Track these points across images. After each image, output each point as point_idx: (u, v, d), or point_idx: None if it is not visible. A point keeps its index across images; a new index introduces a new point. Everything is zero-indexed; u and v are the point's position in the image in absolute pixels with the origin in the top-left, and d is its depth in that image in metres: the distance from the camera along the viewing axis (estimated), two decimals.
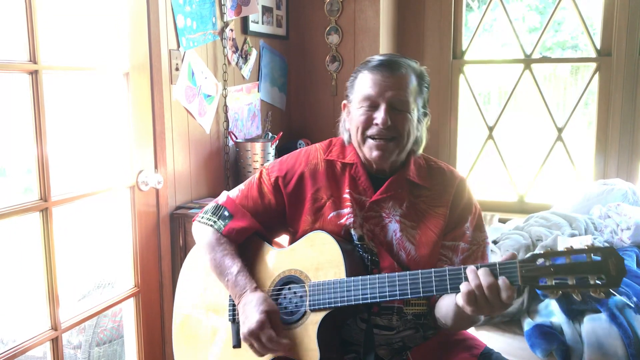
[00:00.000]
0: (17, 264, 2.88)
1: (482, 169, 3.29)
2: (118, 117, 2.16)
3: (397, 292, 1.29)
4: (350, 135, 1.52)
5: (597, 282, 1.12)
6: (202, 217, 1.60)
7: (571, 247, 1.14)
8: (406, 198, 1.48)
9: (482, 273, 1.16)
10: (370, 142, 1.43)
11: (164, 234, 2.29)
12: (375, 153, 1.43)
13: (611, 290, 2.03)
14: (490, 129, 3.18)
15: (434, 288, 1.25)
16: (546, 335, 1.93)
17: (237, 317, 1.48)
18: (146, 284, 2.25)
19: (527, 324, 2.04)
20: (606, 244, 2.31)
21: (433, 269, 1.26)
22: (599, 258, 1.12)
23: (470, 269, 1.19)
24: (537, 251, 2.11)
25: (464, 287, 1.18)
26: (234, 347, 1.47)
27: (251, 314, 1.36)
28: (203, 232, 1.58)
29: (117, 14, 2.09)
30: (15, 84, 1.84)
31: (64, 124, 2.42)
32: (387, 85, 1.41)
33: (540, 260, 1.15)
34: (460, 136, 3.24)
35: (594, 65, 2.96)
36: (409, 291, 1.28)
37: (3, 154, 2.91)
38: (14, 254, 2.88)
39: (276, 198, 1.56)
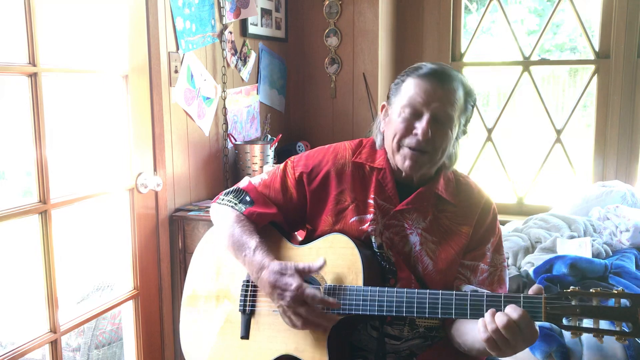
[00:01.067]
0: (16, 266, 2.87)
1: (481, 170, 3.29)
2: (117, 120, 2.16)
3: (415, 310, 1.26)
4: (383, 139, 1.47)
5: (624, 329, 1.09)
6: (223, 199, 1.56)
7: (600, 289, 1.11)
8: (431, 212, 1.45)
9: (499, 317, 1.13)
10: (405, 150, 1.38)
11: (163, 237, 2.29)
12: (407, 163, 1.38)
13: (602, 283, 2.04)
14: (489, 130, 3.19)
15: (454, 312, 1.23)
16: (545, 337, 1.93)
17: (247, 308, 1.46)
18: (145, 287, 2.25)
19: None
20: (606, 246, 2.31)
21: (455, 292, 1.24)
22: (627, 304, 1.09)
23: (489, 313, 1.15)
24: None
25: (482, 330, 1.15)
26: (242, 338, 1.45)
27: (283, 280, 1.32)
28: (221, 211, 1.53)
29: (116, 17, 2.10)
30: (15, 86, 1.85)
31: (63, 126, 2.42)
32: (435, 96, 1.35)
33: (566, 299, 1.13)
34: (461, 144, 3.24)
35: (592, 67, 2.97)
36: (426, 311, 1.25)
37: (2, 157, 2.91)
38: (13, 256, 2.88)
39: (298, 193, 1.52)
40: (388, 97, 1.47)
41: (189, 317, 1.56)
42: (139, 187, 2.18)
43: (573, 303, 1.12)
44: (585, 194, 2.70)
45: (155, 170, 2.25)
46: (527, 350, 1.96)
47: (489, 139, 3.19)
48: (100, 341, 2.71)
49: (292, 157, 1.58)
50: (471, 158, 3.26)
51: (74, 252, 2.90)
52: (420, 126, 1.35)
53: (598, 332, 1.10)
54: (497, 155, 3.19)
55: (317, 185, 1.50)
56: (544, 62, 3.13)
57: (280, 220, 1.54)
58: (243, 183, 1.58)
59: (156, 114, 2.22)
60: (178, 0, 2.24)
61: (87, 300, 2.74)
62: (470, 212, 1.46)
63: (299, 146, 2.94)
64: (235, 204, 1.52)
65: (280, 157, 2.82)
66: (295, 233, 1.64)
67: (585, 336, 1.91)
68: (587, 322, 1.14)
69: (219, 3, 2.49)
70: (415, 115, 1.36)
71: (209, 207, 1.66)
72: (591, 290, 1.11)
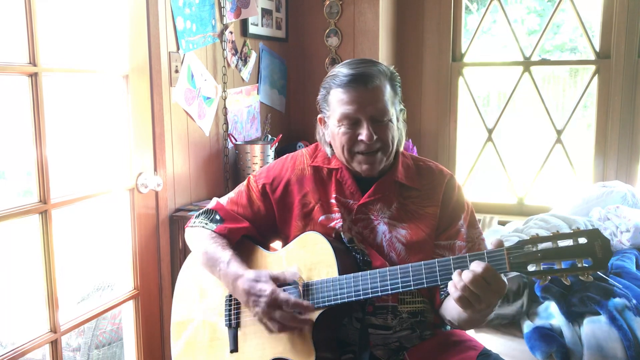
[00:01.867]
0: (17, 266, 2.87)
1: (482, 171, 3.29)
2: (117, 120, 2.16)
3: (389, 287, 1.30)
4: (332, 149, 1.52)
5: (585, 264, 1.14)
6: (194, 222, 1.62)
7: (557, 231, 1.17)
8: (395, 200, 1.49)
9: (465, 274, 1.18)
10: (359, 157, 1.44)
11: (163, 237, 2.29)
12: (364, 167, 1.44)
13: (599, 273, 2.04)
14: (490, 131, 3.18)
15: (425, 280, 1.26)
16: (546, 337, 1.93)
17: (232, 321, 1.49)
18: (145, 287, 2.25)
19: (527, 326, 2.04)
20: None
21: (423, 262, 1.27)
22: (585, 241, 1.14)
23: (456, 273, 1.20)
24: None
25: (452, 291, 1.19)
26: (231, 351, 1.47)
27: (257, 287, 1.36)
28: (195, 234, 1.58)
29: (116, 17, 2.10)
30: (15, 86, 1.84)
31: (63, 126, 2.42)
32: (365, 101, 1.39)
33: (527, 247, 1.17)
34: (459, 138, 3.25)
35: (593, 67, 2.96)
36: (399, 284, 1.29)
37: (3, 157, 2.91)
38: (13, 256, 2.88)
39: (265, 205, 1.57)
40: (321, 110, 1.52)
41: (179, 340, 1.59)
42: (139, 187, 2.18)
43: (534, 249, 1.17)
44: (585, 195, 2.70)
45: (155, 170, 2.25)
46: (527, 350, 1.96)
47: (489, 139, 3.19)
48: (100, 341, 2.72)
49: (254, 172, 1.66)
50: (471, 158, 3.26)
51: (74, 252, 2.90)
52: (363, 132, 1.40)
53: (562, 272, 1.15)
54: (498, 155, 3.19)
55: (281, 194, 1.56)
56: (544, 62, 3.13)
57: (253, 233, 1.58)
58: (212, 204, 1.64)
59: (156, 113, 2.22)
60: (178, 0, 2.24)
61: (88, 300, 2.74)
62: (435, 192, 1.50)
63: (299, 146, 2.94)
64: (206, 223, 1.57)
65: (280, 157, 2.81)
66: (271, 245, 1.67)
67: (585, 336, 1.91)
68: (550, 266, 1.18)
69: (219, 3, 2.49)
70: (354, 123, 1.42)
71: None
72: (550, 234, 1.17)
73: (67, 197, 1.92)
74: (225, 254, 1.47)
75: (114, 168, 2.18)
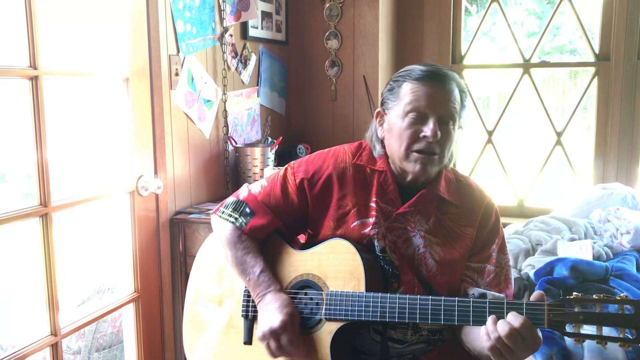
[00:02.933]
0: (17, 269, 2.87)
1: (482, 173, 3.29)
2: (118, 123, 2.16)
3: (417, 317, 1.27)
4: (382, 146, 1.47)
5: (627, 335, 1.09)
6: (223, 213, 1.55)
7: (603, 296, 1.11)
8: (433, 214, 1.44)
9: (501, 326, 1.13)
10: (415, 155, 1.37)
11: (163, 239, 2.29)
12: (418, 167, 1.37)
13: (602, 285, 2.03)
14: (490, 133, 3.19)
15: (456, 319, 1.23)
16: (546, 339, 1.93)
17: (250, 313, 1.46)
18: (146, 289, 2.25)
19: None
20: (606, 248, 2.31)
21: (457, 298, 1.24)
22: (631, 311, 1.09)
23: (490, 320, 1.16)
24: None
25: (484, 339, 1.15)
26: (245, 343, 1.45)
27: (274, 313, 1.34)
28: (223, 227, 1.53)
29: (117, 20, 2.10)
30: (16, 89, 1.85)
31: (64, 129, 2.42)
32: (438, 99, 1.35)
33: (569, 305, 1.12)
34: (459, 140, 3.24)
35: (592, 69, 2.97)
36: (429, 317, 1.26)
37: (3, 160, 2.91)
38: (14, 259, 2.88)
39: (300, 200, 1.51)
40: (382, 104, 1.46)
41: (192, 322, 1.56)
42: (140, 190, 2.18)
43: (576, 310, 1.12)
44: (585, 196, 2.70)
45: (155, 173, 2.26)
46: None
47: (489, 141, 3.19)
48: (100, 344, 2.71)
49: (292, 162, 1.57)
50: (472, 160, 3.26)
51: (74, 255, 2.90)
52: (428, 129, 1.34)
53: (601, 339, 1.10)
54: (498, 157, 3.19)
55: (319, 191, 1.49)
56: (544, 64, 3.13)
57: (281, 227, 1.54)
58: (243, 193, 1.57)
59: (157, 116, 2.22)
60: (179, 3, 2.25)
61: (88, 303, 2.74)
62: (473, 213, 1.46)
63: (299, 149, 2.95)
64: (236, 218, 1.51)
65: (280, 159, 2.82)
66: (297, 237, 1.64)
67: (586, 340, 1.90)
68: (589, 329, 1.13)
69: (219, 6, 2.50)
70: (421, 119, 1.36)
71: (210, 209, 1.66)
72: (594, 296, 1.11)
73: (68, 200, 1.92)
74: (256, 264, 1.44)
75: (115, 171, 2.18)
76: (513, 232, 2.54)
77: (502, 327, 1.13)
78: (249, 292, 1.48)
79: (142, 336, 2.25)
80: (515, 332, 1.11)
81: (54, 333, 1.86)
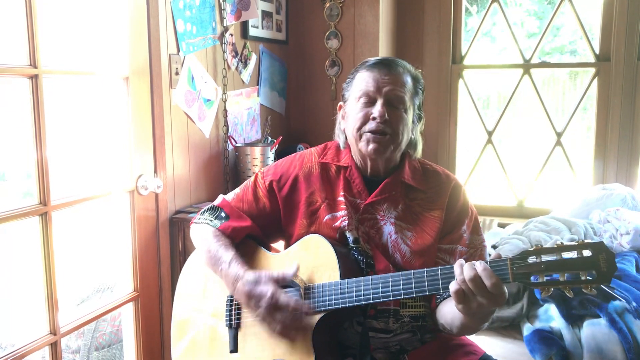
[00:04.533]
0: (16, 268, 2.87)
1: (481, 173, 3.29)
2: (118, 122, 2.16)
3: (391, 293, 1.30)
4: (346, 136, 1.54)
5: (588, 277, 1.13)
6: (199, 219, 1.62)
7: (561, 243, 1.16)
8: (401, 200, 1.49)
9: (466, 267, 1.17)
10: (367, 135, 1.44)
11: (163, 239, 2.29)
12: (371, 146, 1.43)
13: (602, 286, 2.04)
14: (490, 133, 3.19)
15: (427, 287, 1.26)
16: (546, 340, 1.93)
17: (233, 322, 1.48)
18: (145, 289, 2.25)
19: (527, 329, 2.04)
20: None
21: (425, 269, 1.28)
22: (589, 253, 1.13)
23: (457, 264, 1.20)
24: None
25: (452, 285, 1.19)
26: (231, 352, 1.47)
27: (257, 289, 1.36)
28: (200, 230, 1.59)
29: (117, 19, 2.10)
30: (15, 88, 1.85)
31: (63, 128, 2.42)
32: (384, 82, 1.44)
33: (531, 257, 1.16)
34: (459, 141, 3.25)
35: (592, 70, 2.97)
36: (402, 291, 1.29)
37: (3, 159, 2.91)
38: (13, 258, 2.88)
39: (271, 202, 1.57)
40: (342, 96, 1.55)
41: (180, 339, 1.58)
42: (140, 189, 2.18)
43: (537, 260, 1.16)
44: (585, 197, 2.70)
45: (155, 172, 2.25)
46: (527, 353, 1.96)
47: (489, 141, 3.19)
48: (100, 343, 2.71)
49: (262, 168, 1.65)
50: (471, 161, 3.26)
51: (74, 254, 2.90)
52: (376, 110, 1.42)
53: (565, 284, 1.14)
54: (498, 158, 3.19)
55: (288, 191, 1.56)
56: (544, 64, 3.13)
57: (257, 233, 1.58)
58: (217, 200, 1.64)
59: (157, 116, 2.22)
60: (179, 3, 2.25)
61: (87, 302, 2.74)
62: (440, 196, 1.51)
63: (299, 148, 2.94)
64: (211, 220, 1.58)
65: (280, 159, 2.81)
66: (274, 245, 1.67)
67: (585, 339, 1.91)
68: (553, 278, 1.17)
69: (219, 5, 2.50)
70: (370, 102, 1.45)
71: None
72: (554, 245, 1.15)
73: (67, 199, 1.92)
74: (227, 254, 1.47)
75: (114, 170, 2.18)
76: (513, 233, 2.54)
77: (468, 270, 1.17)
78: (230, 301, 1.51)
79: (141, 335, 2.25)
80: (477, 274, 1.15)
81: (53, 332, 1.86)
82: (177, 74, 2.26)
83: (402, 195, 1.50)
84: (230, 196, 1.64)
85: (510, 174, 3.18)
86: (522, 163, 3.30)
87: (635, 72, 2.85)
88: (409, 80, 1.47)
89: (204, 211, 1.63)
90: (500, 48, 3.63)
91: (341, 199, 1.50)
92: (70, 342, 2.73)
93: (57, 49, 1.96)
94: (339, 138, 1.57)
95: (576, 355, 1.90)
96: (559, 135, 3.06)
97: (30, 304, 2.52)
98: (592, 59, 2.97)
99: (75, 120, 2.49)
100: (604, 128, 2.96)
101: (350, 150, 1.54)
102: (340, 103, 1.57)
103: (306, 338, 1.36)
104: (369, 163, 1.50)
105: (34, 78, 1.74)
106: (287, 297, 1.34)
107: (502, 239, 2.46)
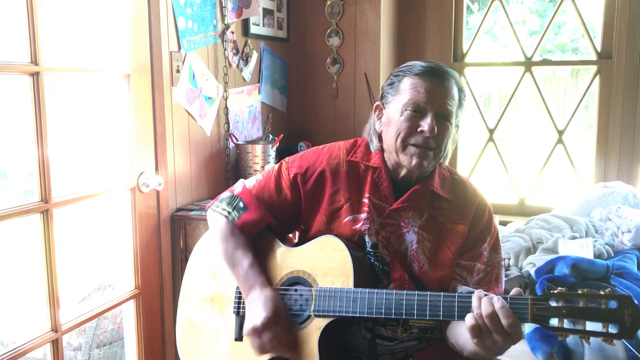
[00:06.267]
0: (18, 265, 2.88)
1: (483, 171, 3.28)
2: (119, 119, 2.16)
3: (404, 312, 1.27)
4: (379, 140, 1.47)
5: (611, 330, 1.08)
6: (217, 207, 1.57)
7: (587, 290, 1.10)
8: (427, 210, 1.45)
9: (485, 302, 1.14)
10: (411, 149, 1.38)
11: (164, 236, 2.29)
12: (415, 161, 1.38)
13: (602, 284, 2.03)
14: (491, 131, 3.18)
15: (441, 313, 1.23)
16: (547, 337, 1.93)
17: (242, 310, 1.46)
18: (146, 286, 2.25)
19: (528, 326, 2.03)
20: (607, 247, 2.31)
21: (442, 293, 1.24)
22: (614, 306, 1.08)
23: (475, 296, 1.16)
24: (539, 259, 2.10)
25: (468, 319, 1.15)
26: (236, 340, 1.46)
27: (258, 310, 1.34)
28: (217, 221, 1.55)
29: (118, 16, 2.10)
30: (17, 85, 1.84)
31: (65, 125, 2.42)
32: (437, 94, 1.37)
33: (553, 300, 1.12)
34: (460, 139, 3.25)
35: (594, 68, 2.96)
36: (415, 312, 1.26)
37: (4, 156, 2.91)
38: (14, 255, 2.88)
39: (293, 195, 1.52)
40: (383, 97, 1.47)
41: (185, 319, 1.57)
42: (141, 187, 2.18)
43: (559, 304, 1.11)
44: (587, 195, 2.70)
45: (156, 169, 2.25)
46: (528, 350, 1.96)
47: (490, 139, 3.19)
48: (101, 340, 2.72)
49: (287, 157, 1.58)
50: (473, 159, 3.26)
51: (75, 252, 2.90)
52: (426, 124, 1.35)
53: (584, 334, 1.09)
54: (499, 155, 3.19)
55: (312, 186, 1.50)
56: (545, 62, 3.13)
57: (273, 223, 1.54)
58: (237, 188, 1.59)
59: (158, 113, 2.22)
60: (180, 0, 2.24)
61: (89, 300, 2.74)
62: (466, 209, 1.46)
63: (300, 146, 2.94)
64: (229, 212, 1.53)
65: (281, 156, 2.80)
66: (290, 235, 1.64)
67: None
68: (574, 325, 1.12)
69: (221, 3, 2.49)
70: (419, 113, 1.37)
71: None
72: (578, 291, 1.11)
73: (69, 196, 1.92)
74: (245, 258, 1.45)
75: (115, 167, 2.18)
76: (514, 230, 2.54)
77: (486, 306, 1.13)
78: (239, 291, 1.49)
79: (142, 333, 2.25)
80: (495, 312, 1.12)
81: (55, 329, 1.86)
82: (178, 71, 2.26)
83: (428, 204, 1.45)
84: (251, 182, 1.58)
85: (512, 172, 3.18)
86: (523, 161, 3.29)
87: (637, 70, 2.85)
88: (456, 91, 1.42)
89: (222, 199, 1.58)
90: (502, 46, 3.63)
91: (365, 200, 1.46)
92: (71, 339, 2.73)
93: (59, 47, 1.96)
94: (370, 140, 1.51)
95: (577, 353, 1.90)
96: (560, 133, 3.06)
97: (32, 302, 2.52)
98: (593, 57, 2.97)
99: (76, 118, 2.49)
100: (605, 126, 2.95)
101: (382, 152, 1.48)
102: (378, 103, 1.49)
103: (313, 340, 1.35)
104: (404, 171, 1.44)
105: (35, 75, 1.74)
106: (279, 343, 1.33)
107: (503, 237, 2.45)
